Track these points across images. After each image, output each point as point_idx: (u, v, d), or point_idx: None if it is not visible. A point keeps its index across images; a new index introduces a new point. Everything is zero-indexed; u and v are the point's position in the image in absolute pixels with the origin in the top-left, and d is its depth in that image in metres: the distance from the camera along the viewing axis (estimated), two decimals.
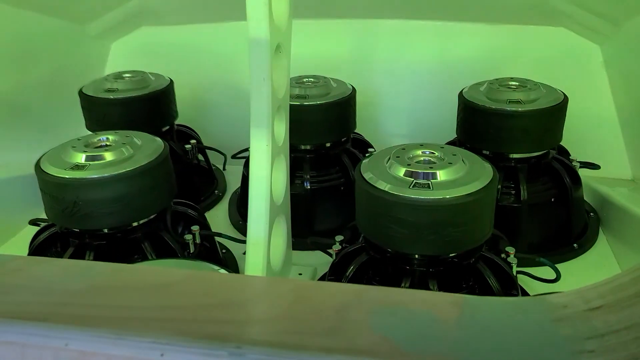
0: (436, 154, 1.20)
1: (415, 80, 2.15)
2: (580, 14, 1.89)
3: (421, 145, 1.23)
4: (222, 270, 0.90)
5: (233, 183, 2.08)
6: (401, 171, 1.14)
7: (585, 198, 1.81)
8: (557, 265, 1.53)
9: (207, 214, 1.90)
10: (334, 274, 1.27)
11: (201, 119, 2.33)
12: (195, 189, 1.94)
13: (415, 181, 1.11)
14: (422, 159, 1.20)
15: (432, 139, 1.99)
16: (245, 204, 1.85)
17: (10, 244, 1.73)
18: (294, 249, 1.55)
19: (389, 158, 1.19)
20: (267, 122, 1.25)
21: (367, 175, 1.16)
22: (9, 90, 1.94)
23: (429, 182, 1.10)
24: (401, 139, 2.19)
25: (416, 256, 1.14)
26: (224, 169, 2.17)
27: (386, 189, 1.10)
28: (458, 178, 1.11)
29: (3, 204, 1.78)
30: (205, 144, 2.16)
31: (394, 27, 2.13)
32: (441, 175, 1.11)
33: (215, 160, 2.17)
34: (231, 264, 1.59)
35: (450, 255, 1.14)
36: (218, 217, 1.88)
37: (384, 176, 1.14)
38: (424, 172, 1.12)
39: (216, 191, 2.00)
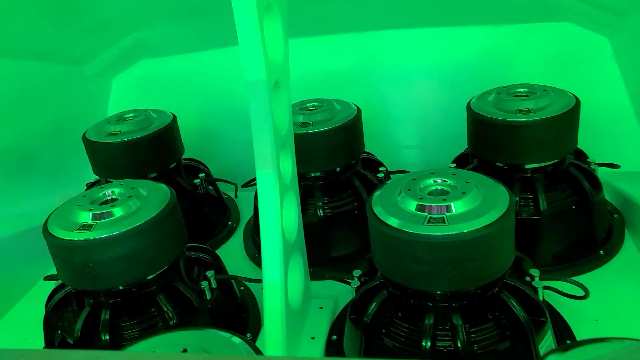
0: (449, 182, 1.16)
1: (421, 90, 2.11)
2: (583, 8, 1.83)
3: (432, 174, 1.19)
4: (235, 339, 0.87)
5: (246, 211, 2.06)
6: (414, 205, 1.10)
7: (607, 198, 1.75)
8: (584, 275, 1.49)
9: (222, 247, 1.89)
10: (356, 312, 1.24)
11: (208, 147, 2.32)
12: (208, 223, 1.92)
13: (429, 216, 1.07)
14: (434, 188, 1.16)
15: (442, 149, 1.97)
16: (260, 235, 1.84)
17: (27, 299, 1.73)
18: (312, 278, 1.52)
19: (400, 191, 1.15)
20: (273, 163, 1.22)
21: (379, 211, 1.13)
22: (15, 140, 1.94)
23: (444, 216, 1.06)
24: (411, 150, 2.16)
25: (437, 292, 1.11)
26: (236, 196, 2.15)
27: (400, 227, 1.06)
28: (474, 209, 1.07)
29: (18, 258, 1.78)
30: (214, 170, 2.14)
31: (394, 37, 2.09)
32: (456, 207, 1.07)
33: (226, 187, 2.14)
34: (250, 301, 1.56)
35: (473, 288, 1.10)
36: (234, 250, 1.86)
37: (397, 211, 1.11)
38: (437, 206, 1.08)
39: (229, 222, 1.98)
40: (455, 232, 1.02)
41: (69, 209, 1.28)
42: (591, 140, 1.87)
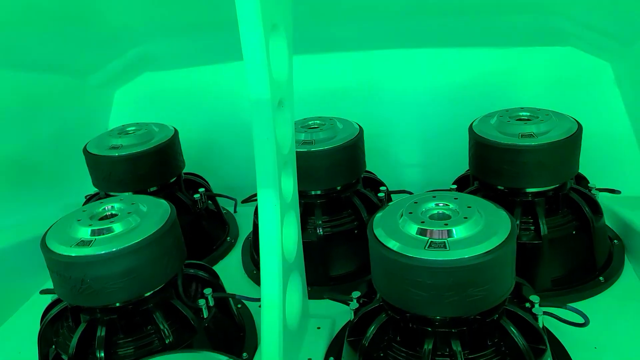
0: (450, 206, 1.16)
1: (423, 109, 2.11)
2: (586, 33, 1.84)
3: (434, 197, 1.19)
4: None
5: (245, 227, 2.05)
6: (415, 229, 1.10)
7: (607, 223, 1.75)
8: (583, 302, 1.48)
9: (220, 263, 1.88)
10: (354, 334, 1.22)
11: (209, 161, 2.32)
12: (206, 238, 1.91)
13: (430, 240, 1.06)
14: (435, 212, 1.16)
15: (444, 168, 1.97)
16: (259, 251, 1.83)
17: (22, 312, 1.71)
18: (311, 297, 1.51)
19: (402, 214, 1.15)
20: (274, 182, 1.21)
21: (379, 233, 1.12)
22: (17, 150, 1.94)
23: (445, 240, 1.06)
24: (413, 169, 2.16)
25: (437, 317, 1.10)
26: (235, 211, 2.14)
27: (401, 251, 1.06)
28: (475, 234, 1.07)
29: (15, 269, 1.77)
30: (214, 185, 2.13)
31: (398, 57, 2.10)
32: (457, 232, 1.07)
33: (226, 202, 2.14)
34: (247, 319, 1.55)
35: (473, 314, 1.10)
36: (232, 266, 1.85)
37: (397, 235, 1.10)
38: (439, 231, 1.07)
39: (228, 238, 1.97)
40: (456, 258, 1.02)
41: (68, 224, 1.27)
42: (592, 165, 1.87)
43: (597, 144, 1.92)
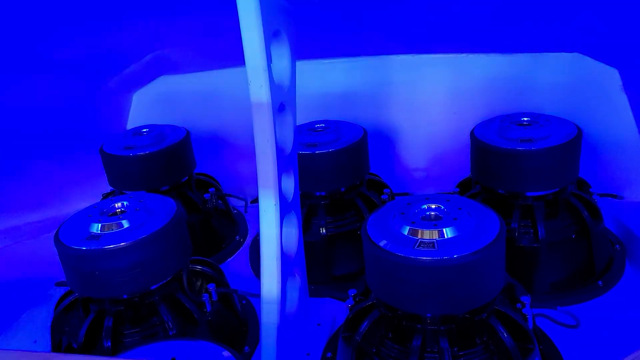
0: (442, 207, 1.19)
1: (430, 114, 2.14)
2: (593, 39, 1.85)
3: (427, 199, 1.22)
4: (225, 352, 0.92)
5: (254, 226, 2.11)
6: (406, 229, 1.14)
7: (610, 228, 1.76)
8: (581, 305, 1.50)
9: (228, 261, 1.94)
10: (348, 330, 1.27)
11: (222, 162, 2.38)
12: (215, 237, 1.97)
13: (420, 240, 1.10)
14: (427, 214, 1.20)
15: (450, 172, 2.00)
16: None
17: (40, 303, 1.79)
18: (313, 295, 1.56)
19: (395, 215, 1.19)
20: (274, 183, 1.27)
21: (372, 233, 1.16)
22: (38, 150, 2.02)
23: (434, 240, 1.09)
24: (419, 173, 2.19)
25: (427, 315, 1.13)
26: (246, 211, 2.20)
27: (391, 250, 1.10)
28: (464, 235, 1.10)
29: (35, 263, 1.85)
30: (227, 185, 2.19)
31: (406, 62, 2.13)
32: (446, 233, 1.10)
33: (238, 202, 2.19)
34: (250, 315, 1.60)
35: (461, 313, 1.13)
36: (239, 264, 1.91)
37: (389, 234, 1.14)
38: (429, 231, 1.11)
39: (237, 237, 2.03)
40: (443, 257, 1.05)
41: (80, 219, 1.34)
42: (598, 170, 1.88)
43: (603, 149, 1.93)
